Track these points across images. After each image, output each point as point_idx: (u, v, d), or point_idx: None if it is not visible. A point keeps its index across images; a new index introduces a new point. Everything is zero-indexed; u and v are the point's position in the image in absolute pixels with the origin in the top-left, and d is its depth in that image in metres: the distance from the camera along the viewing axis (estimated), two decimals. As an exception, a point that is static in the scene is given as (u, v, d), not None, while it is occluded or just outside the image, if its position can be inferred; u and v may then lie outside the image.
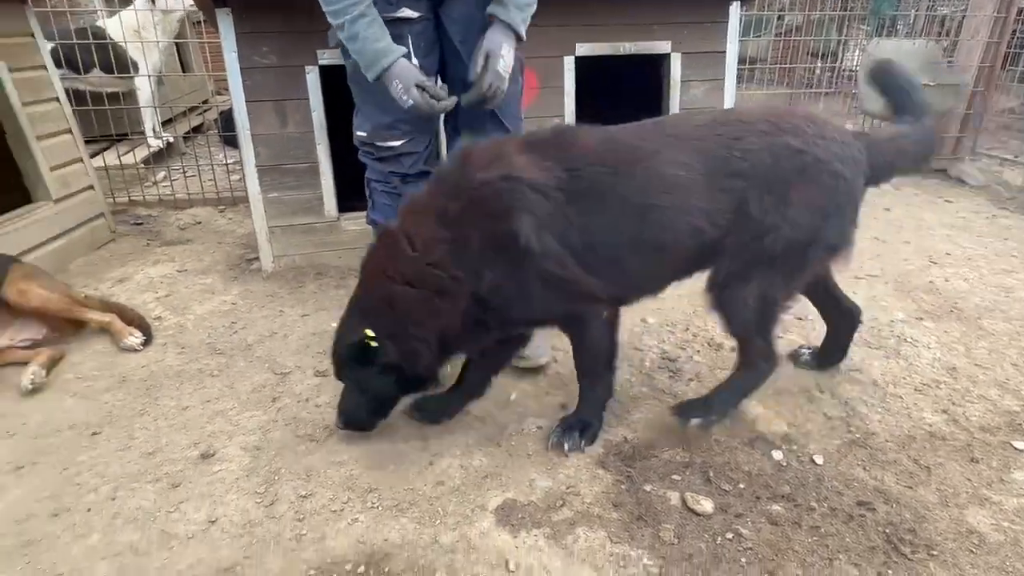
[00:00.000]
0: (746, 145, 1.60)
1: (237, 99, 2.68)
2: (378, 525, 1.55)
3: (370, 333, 1.62)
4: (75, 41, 4.59)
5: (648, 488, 1.64)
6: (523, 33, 1.86)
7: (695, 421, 1.77)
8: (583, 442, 1.79)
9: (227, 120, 5.70)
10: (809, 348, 2.19)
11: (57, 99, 3.14)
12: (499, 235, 1.56)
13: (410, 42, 1.81)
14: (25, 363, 2.16)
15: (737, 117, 1.71)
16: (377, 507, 1.61)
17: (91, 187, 3.33)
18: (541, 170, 1.57)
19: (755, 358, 1.79)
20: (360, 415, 1.77)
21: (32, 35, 3.06)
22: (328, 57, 2.66)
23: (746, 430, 1.86)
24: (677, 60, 3.04)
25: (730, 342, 2.36)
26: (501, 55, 1.80)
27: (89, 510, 1.59)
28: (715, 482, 1.66)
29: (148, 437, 1.88)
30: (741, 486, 1.64)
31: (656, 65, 3.14)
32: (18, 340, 2.29)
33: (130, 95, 5.09)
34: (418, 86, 1.73)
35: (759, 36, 5.43)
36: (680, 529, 1.51)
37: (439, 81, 1.96)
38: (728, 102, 3.18)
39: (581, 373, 1.85)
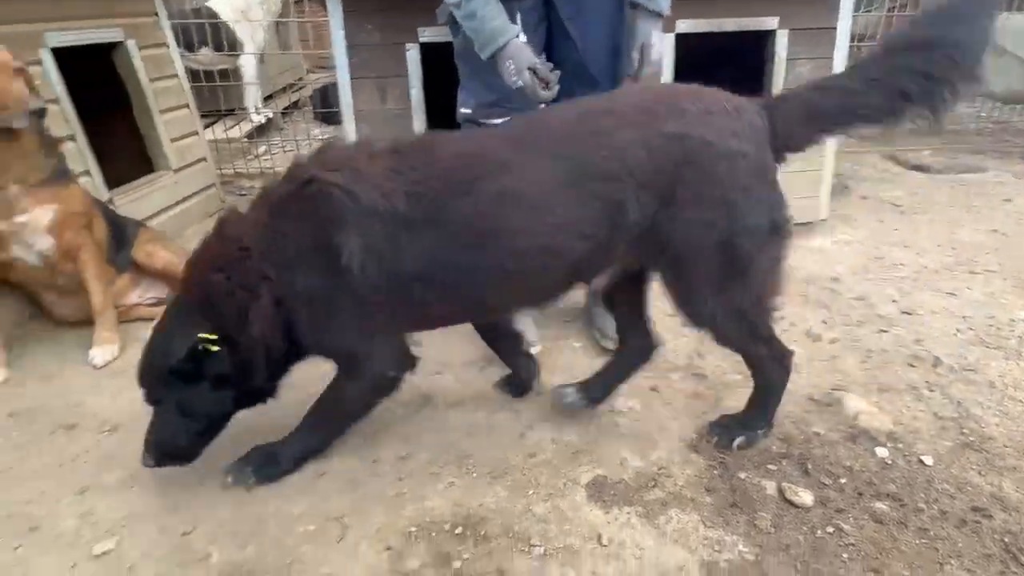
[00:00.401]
0: (615, 141, 1.39)
1: (342, 76, 2.78)
2: (473, 490, 1.60)
3: (207, 336, 1.43)
4: (188, 21, 4.87)
5: (742, 476, 1.62)
6: (667, 9, 1.86)
7: (739, 440, 1.67)
8: (253, 481, 1.60)
9: (322, 97, 5.96)
10: (573, 386, 1.84)
11: (177, 76, 3.36)
12: (319, 243, 1.42)
13: (520, 19, 1.82)
14: (151, 319, 2.36)
15: (608, 107, 1.50)
16: (472, 473, 1.66)
17: (204, 159, 3.57)
18: (384, 190, 1.40)
19: (764, 365, 1.64)
20: (181, 443, 1.52)
21: (156, 14, 3.28)
22: (428, 35, 2.71)
23: (846, 424, 1.80)
24: (783, 37, 2.90)
25: (829, 333, 2.28)
26: (653, 44, 1.83)
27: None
28: (814, 475, 1.61)
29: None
30: (842, 481, 1.59)
31: (760, 43, 3.01)
32: (145, 298, 2.50)
33: (235, 72, 5.38)
34: (530, 69, 1.73)
35: (869, 11, 5.08)
36: (777, 519, 1.49)
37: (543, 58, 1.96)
38: (836, 82, 3.01)
39: (312, 413, 1.66)
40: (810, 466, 1.64)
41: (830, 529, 1.45)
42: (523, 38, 1.82)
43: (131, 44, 3.00)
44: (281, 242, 1.45)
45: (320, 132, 5.58)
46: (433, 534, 1.47)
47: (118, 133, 3.10)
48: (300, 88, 7.07)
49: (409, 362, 1.65)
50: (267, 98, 6.10)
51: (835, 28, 2.95)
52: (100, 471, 1.70)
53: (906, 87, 1.37)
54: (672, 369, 2.10)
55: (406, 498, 1.59)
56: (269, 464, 1.63)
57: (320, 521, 1.51)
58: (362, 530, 1.49)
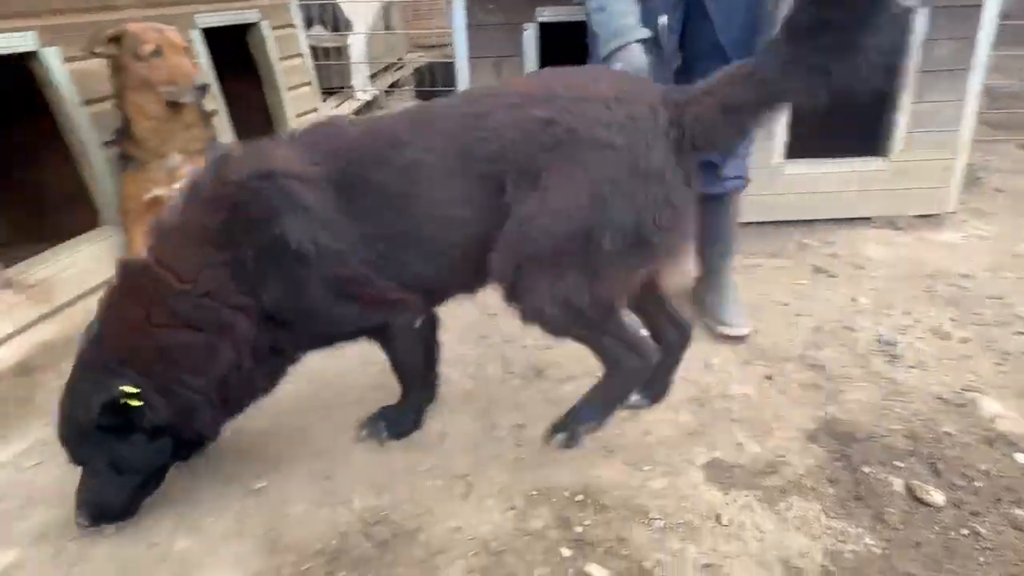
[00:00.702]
0: (492, 123, 1.39)
1: (460, 55, 2.86)
2: (590, 462, 1.66)
3: (128, 389, 1.34)
4: (305, 1, 5.12)
5: (867, 470, 1.59)
6: None
7: (559, 437, 1.58)
8: (386, 436, 1.72)
9: (422, 77, 6.12)
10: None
11: (302, 55, 3.55)
12: (269, 242, 1.39)
13: (658, 3, 1.81)
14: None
15: (495, 91, 1.52)
16: (587, 445, 1.72)
17: (322, 134, 3.76)
18: (303, 163, 1.43)
19: (611, 358, 1.54)
20: (117, 500, 1.42)
21: (289, -3, 3.48)
22: (548, 14, 2.73)
23: (981, 427, 1.72)
24: (923, 14, 2.72)
25: (959, 332, 2.17)
26: None
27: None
28: (945, 476, 1.56)
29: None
30: (977, 484, 1.53)
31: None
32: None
33: (344, 51, 5.61)
34: None
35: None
36: (906, 516, 1.45)
37: (678, 40, 1.92)
38: (978, 65, 2.80)
39: (399, 377, 1.73)
40: (941, 466, 1.58)
41: (964, 531, 1.40)
42: (664, 20, 1.81)
43: (265, 24, 3.20)
44: (241, 264, 1.41)
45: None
46: (553, 499, 1.54)
47: (247, 108, 3.33)
48: (400, 67, 7.28)
49: (423, 301, 1.63)
50: (370, 77, 6.33)
51: (980, 5, 2.74)
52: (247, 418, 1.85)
53: (823, 63, 1.26)
54: (786, 359, 2.06)
55: (525, 464, 1.66)
56: (399, 422, 1.75)
57: (446, 478, 1.61)
58: (486, 489, 1.58)
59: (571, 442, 1.59)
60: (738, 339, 2.15)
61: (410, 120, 1.54)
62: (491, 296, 2.42)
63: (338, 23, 5.13)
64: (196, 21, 2.76)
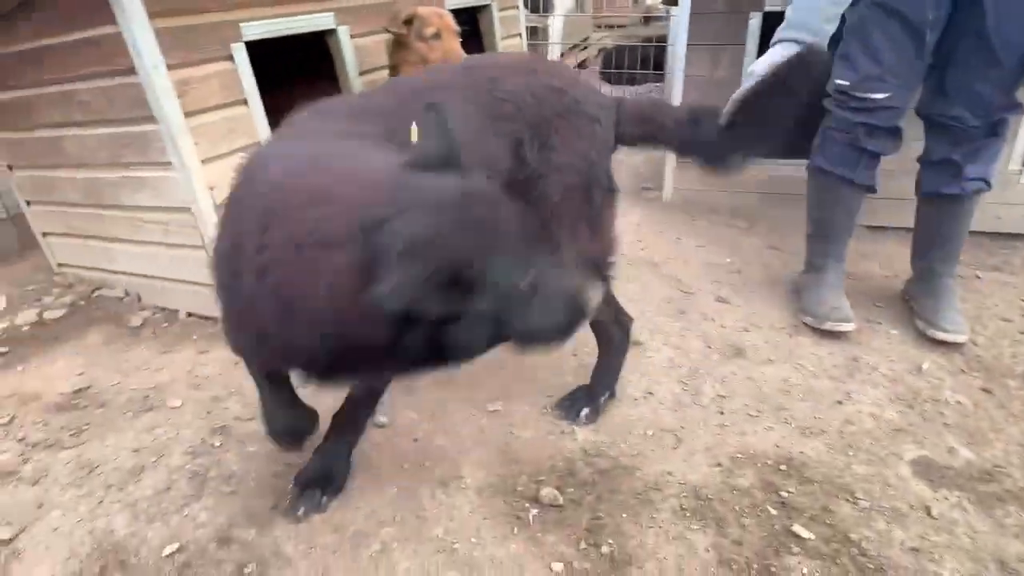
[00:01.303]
0: (508, 87, 1.50)
1: (679, 41, 2.96)
2: (791, 438, 1.76)
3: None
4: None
5: (1102, 495, 1.54)
6: None
7: (585, 411, 1.81)
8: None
9: (608, 58, 6.23)
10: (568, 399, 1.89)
11: (520, 35, 3.83)
12: None
13: None
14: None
15: (489, 62, 1.70)
16: (789, 424, 1.81)
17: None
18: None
19: (608, 330, 1.79)
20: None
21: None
22: (777, 3, 2.74)
23: None
24: None
25: None
26: None
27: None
28: None
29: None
30: None
31: None
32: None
33: (542, 31, 5.88)
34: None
35: None
36: None
37: (939, 28, 1.89)
38: None
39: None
40: None
41: None
42: (930, 15, 1.80)
43: (495, 6, 3.51)
44: None
45: (607, 90, 5.87)
46: (758, 464, 1.67)
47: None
48: (586, 47, 7.44)
49: None
50: (559, 56, 6.57)
51: None
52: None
53: (704, 139, 1.65)
54: (1008, 375, 1.98)
55: (728, 430, 1.80)
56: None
57: (656, 430, 1.80)
58: (692, 445, 1.74)
59: (594, 416, 1.83)
60: (953, 345, 2.10)
61: (432, 85, 1.59)
62: (690, 280, 2.57)
63: (538, 3, 5.40)
64: (445, 3, 3.11)
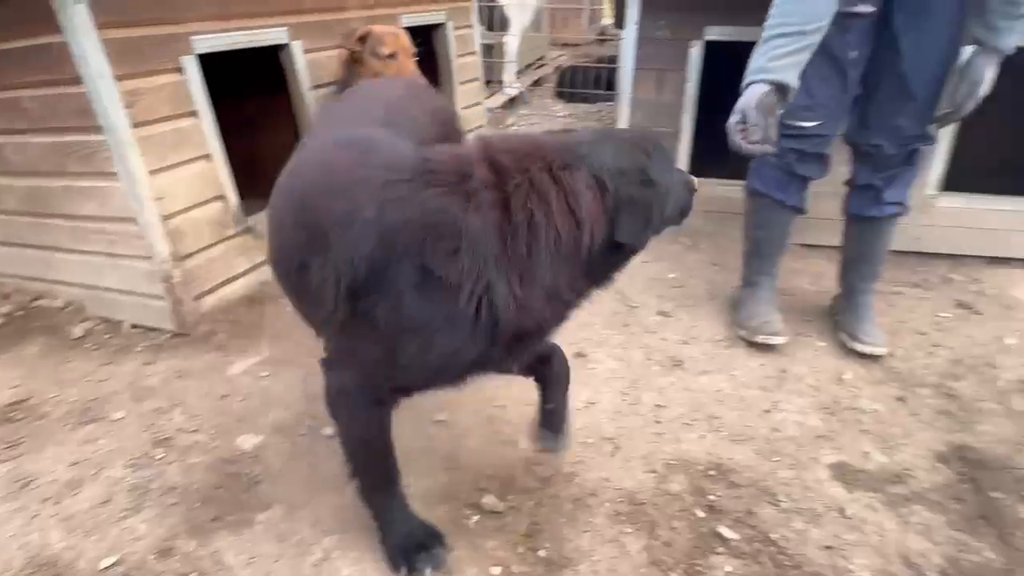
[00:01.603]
0: (413, 111, 1.65)
1: (627, 66, 3.09)
2: (722, 445, 1.86)
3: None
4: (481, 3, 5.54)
5: (996, 495, 1.68)
6: (1011, 48, 1.84)
7: (564, 442, 1.72)
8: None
9: (563, 77, 6.40)
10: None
11: (475, 53, 3.92)
12: None
13: (852, 38, 1.94)
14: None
15: (383, 91, 1.83)
16: (720, 431, 1.92)
17: (482, 126, 4.13)
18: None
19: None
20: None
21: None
22: (714, 33, 2.90)
23: (1123, 476, 1.74)
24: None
25: (1114, 385, 2.14)
26: (985, 80, 1.85)
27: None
28: (1078, 513, 1.62)
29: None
30: (1113, 526, 1.58)
31: None
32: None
33: (498, 48, 5.99)
34: (741, 113, 1.81)
35: None
36: (1032, 541, 1.55)
37: (861, 66, 2.02)
38: None
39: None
40: (1075, 505, 1.65)
41: (1093, 563, 1.48)
42: (854, 53, 1.95)
43: (449, 25, 3.58)
44: None
45: (561, 108, 6.03)
46: (690, 470, 1.76)
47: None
48: (541, 66, 7.60)
49: None
50: (515, 74, 6.69)
51: None
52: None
53: None
54: (920, 384, 2.14)
55: (664, 438, 1.89)
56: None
57: (596, 438, 1.88)
58: (630, 452, 1.82)
59: (569, 443, 1.74)
60: (872, 357, 2.24)
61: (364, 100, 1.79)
62: (634, 295, 2.67)
63: (494, 22, 5.51)
64: (401, 20, 3.17)
